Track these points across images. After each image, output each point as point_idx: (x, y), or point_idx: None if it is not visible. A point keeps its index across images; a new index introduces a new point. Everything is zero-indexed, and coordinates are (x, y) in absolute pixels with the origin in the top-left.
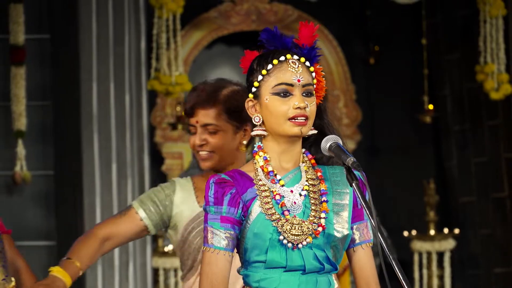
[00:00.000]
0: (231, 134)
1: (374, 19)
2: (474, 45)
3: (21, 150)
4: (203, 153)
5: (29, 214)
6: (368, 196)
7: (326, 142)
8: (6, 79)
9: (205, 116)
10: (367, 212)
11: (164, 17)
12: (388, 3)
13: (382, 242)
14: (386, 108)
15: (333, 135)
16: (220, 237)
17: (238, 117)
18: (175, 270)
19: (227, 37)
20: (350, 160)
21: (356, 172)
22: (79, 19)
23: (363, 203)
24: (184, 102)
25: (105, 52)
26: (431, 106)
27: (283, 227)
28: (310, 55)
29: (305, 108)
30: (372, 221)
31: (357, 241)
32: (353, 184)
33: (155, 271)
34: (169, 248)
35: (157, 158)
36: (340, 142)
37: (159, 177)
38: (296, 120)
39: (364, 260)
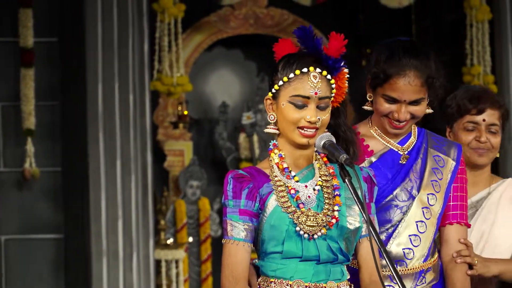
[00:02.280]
0: (500, 136)
1: (366, 23)
2: (461, 48)
3: (30, 147)
4: (483, 151)
5: (38, 209)
6: (376, 192)
7: (320, 140)
8: (16, 80)
9: (493, 116)
10: (359, 207)
11: (166, 21)
12: (380, 8)
13: (373, 234)
14: None
15: (327, 133)
16: (239, 229)
17: (506, 121)
18: (176, 262)
19: (226, 40)
20: (343, 157)
21: (348, 168)
22: (85, 23)
23: (354, 197)
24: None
25: (110, 55)
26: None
27: (299, 219)
28: (334, 67)
29: (315, 122)
30: (364, 215)
31: (363, 233)
32: (346, 180)
33: (158, 263)
34: (170, 240)
35: (159, 155)
36: (334, 140)
37: (161, 173)
38: (305, 132)
39: (369, 251)
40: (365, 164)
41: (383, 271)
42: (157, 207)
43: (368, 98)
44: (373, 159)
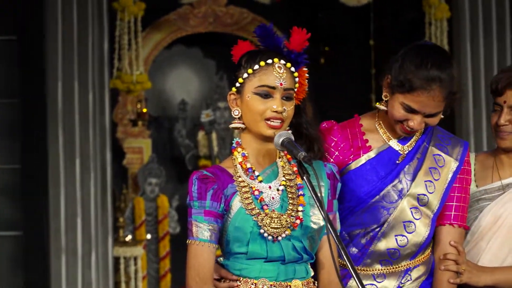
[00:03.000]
0: None
1: (325, 21)
2: None
3: None
4: (504, 133)
5: None
6: (339, 188)
7: (279, 138)
8: None
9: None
10: (317, 203)
11: (126, 19)
12: (338, 6)
13: (331, 231)
14: (336, 105)
15: (286, 132)
16: (204, 230)
17: None
18: (135, 259)
19: (185, 38)
20: (301, 154)
21: (306, 166)
22: (45, 21)
23: (312, 194)
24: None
25: (70, 53)
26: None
27: (263, 221)
28: (297, 60)
29: (282, 112)
30: (322, 212)
31: (325, 230)
32: (304, 177)
33: (116, 260)
34: (129, 237)
35: (118, 152)
36: (292, 137)
37: (120, 171)
38: (271, 123)
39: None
40: (362, 159)
41: (366, 270)
42: (116, 204)
43: (384, 98)
44: (372, 154)
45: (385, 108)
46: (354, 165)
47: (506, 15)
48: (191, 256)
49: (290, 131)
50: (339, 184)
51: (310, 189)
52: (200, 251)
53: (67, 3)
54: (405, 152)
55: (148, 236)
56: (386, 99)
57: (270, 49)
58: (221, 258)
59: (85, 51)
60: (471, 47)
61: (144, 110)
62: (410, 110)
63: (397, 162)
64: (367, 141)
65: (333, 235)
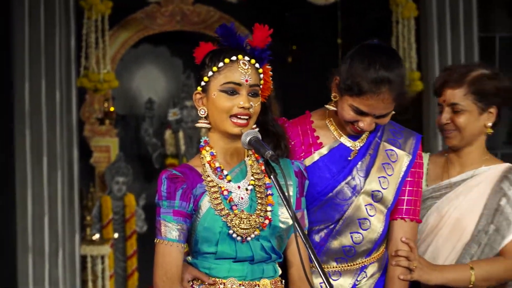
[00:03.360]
0: (476, 115)
1: (292, 20)
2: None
3: None
4: (449, 132)
5: None
6: (307, 185)
7: (246, 137)
8: None
9: (452, 95)
10: (285, 204)
11: (93, 18)
12: (306, 5)
13: (299, 230)
14: (303, 103)
15: (253, 130)
16: (173, 230)
17: (484, 99)
18: (102, 257)
19: (152, 36)
20: (268, 153)
21: (273, 164)
22: (12, 19)
23: (279, 193)
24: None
25: (37, 51)
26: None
27: (232, 222)
28: (261, 56)
29: (249, 108)
30: (289, 211)
31: (292, 229)
32: (271, 176)
33: (83, 258)
34: (96, 236)
35: (85, 151)
36: (259, 136)
37: (88, 169)
38: (237, 120)
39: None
40: (314, 156)
41: (313, 266)
42: (83, 203)
43: (333, 98)
44: (323, 151)
45: (334, 109)
46: (307, 162)
47: (473, 13)
48: (159, 256)
49: (257, 130)
50: (307, 182)
51: (278, 188)
52: (168, 250)
53: (34, 1)
54: (357, 148)
55: (115, 235)
56: (335, 100)
57: (233, 48)
58: (189, 257)
59: (52, 50)
60: (438, 46)
61: (112, 108)
62: (360, 113)
63: (349, 158)
64: (318, 137)
65: (300, 234)
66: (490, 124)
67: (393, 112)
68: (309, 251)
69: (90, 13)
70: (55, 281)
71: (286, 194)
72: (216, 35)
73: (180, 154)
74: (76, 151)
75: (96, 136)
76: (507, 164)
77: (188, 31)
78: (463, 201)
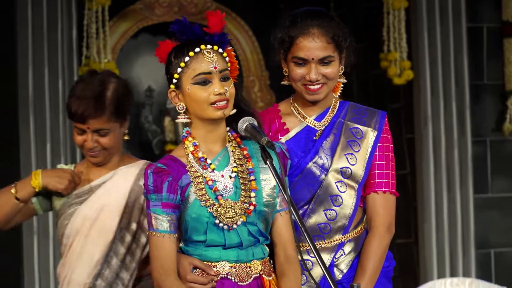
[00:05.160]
0: (118, 129)
1: (286, 11)
2: (378, 35)
3: None
4: (93, 152)
5: None
6: (289, 165)
7: (243, 123)
8: None
9: (96, 123)
10: (280, 186)
11: (94, 8)
12: None
13: (293, 212)
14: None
15: (249, 117)
16: (163, 221)
17: (123, 112)
18: None
19: (151, 27)
20: (265, 139)
21: (269, 150)
22: (15, 9)
23: (275, 177)
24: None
25: (40, 40)
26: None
27: (218, 212)
28: (221, 40)
29: (224, 93)
30: (284, 194)
31: (277, 208)
32: (267, 162)
33: None
34: None
35: None
36: (255, 123)
37: None
38: (217, 105)
39: (282, 227)
40: (282, 141)
41: (301, 246)
42: None
43: (284, 73)
44: (290, 135)
45: (288, 83)
46: None
47: (462, 4)
48: (153, 248)
49: (250, 117)
50: (289, 162)
51: (274, 174)
52: (161, 242)
53: None
54: (321, 129)
55: None
56: (286, 74)
57: (192, 40)
58: (181, 244)
59: (54, 39)
60: (428, 36)
61: None
62: (302, 62)
63: (314, 138)
64: (284, 124)
65: (295, 216)
66: (127, 131)
67: (343, 79)
68: (302, 229)
69: (90, 4)
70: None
71: (282, 178)
72: (172, 31)
73: (179, 140)
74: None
75: None
76: (144, 161)
77: None
78: (105, 202)
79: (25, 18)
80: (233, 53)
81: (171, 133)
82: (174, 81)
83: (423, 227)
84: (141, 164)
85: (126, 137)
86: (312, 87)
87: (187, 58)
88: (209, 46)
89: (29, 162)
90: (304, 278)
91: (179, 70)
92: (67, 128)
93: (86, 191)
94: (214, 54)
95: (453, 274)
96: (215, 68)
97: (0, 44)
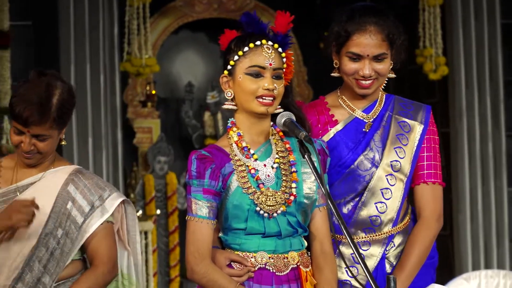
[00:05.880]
0: (57, 135)
1: (323, 8)
2: (414, 31)
3: (6, 125)
4: (28, 154)
5: None
6: (328, 163)
7: (281, 118)
8: None
9: (38, 129)
10: (318, 179)
11: (135, 5)
12: None
13: (332, 206)
14: (335, 87)
15: (287, 112)
16: (203, 207)
17: (66, 119)
18: (145, 233)
19: (191, 23)
20: (302, 134)
21: (307, 145)
22: (58, 7)
23: (313, 170)
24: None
25: (82, 37)
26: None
27: (259, 199)
28: (283, 41)
29: (273, 90)
30: (322, 188)
31: (317, 203)
32: (305, 156)
33: None
34: (140, 213)
35: (128, 132)
36: (293, 118)
37: (131, 150)
38: (263, 100)
39: (320, 222)
40: (330, 133)
41: (344, 238)
42: (127, 181)
43: (335, 65)
44: (339, 127)
45: (337, 75)
46: (325, 139)
47: (496, 0)
48: (190, 232)
49: (288, 112)
50: (329, 159)
51: (311, 166)
52: (199, 227)
53: None
54: (370, 121)
55: (158, 212)
56: (337, 66)
57: (256, 34)
58: (220, 233)
59: (96, 36)
60: (463, 32)
61: (153, 92)
62: (356, 57)
63: (364, 130)
64: (333, 115)
65: (333, 208)
66: (63, 136)
67: (392, 75)
68: (340, 223)
69: (132, 1)
70: None
71: (320, 172)
72: (240, 22)
73: (218, 135)
74: (120, 132)
75: (138, 117)
76: (74, 166)
77: (225, 18)
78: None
79: (68, 15)
80: (292, 57)
81: (210, 128)
82: (229, 67)
83: (458, 219)
84: (70, 169)
85: (63, 142)
86: (364, 82)
87: (246, 48)
88: (270, 43)
89: (71, 155)
90: (356, 270)
91: (235, 57)
92: (109, 122)
93: (13, 190)
94: (273, 51)
95: (488, 266)
96: (270, 64)
97: (43, 42)
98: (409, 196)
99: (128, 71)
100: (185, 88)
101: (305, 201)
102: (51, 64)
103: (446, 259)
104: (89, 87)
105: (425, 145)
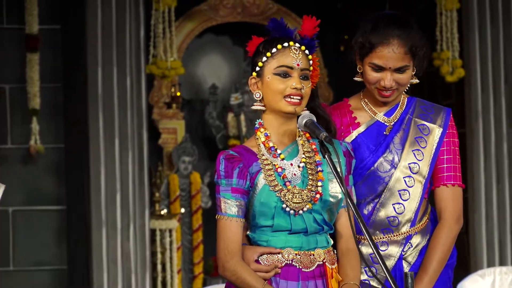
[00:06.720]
0: None
1: (344, 12)
2: (431, 34)
3: (35, 126)
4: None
5: (43, 182)
6: (353, 164)
7: (302, 119)
8: (22, 64)
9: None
10: (337, 179)
11: (161, 9)
12: None
13: (351, 206)
14: (355, 89)
15: (308, 113)
16: (232, 206)
17: None
18: (170, 231)
19: (215, 27)
20: (323, 135)
21: (328, 145)
22: (86, 11)
23: (333, 171)
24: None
25: (109, 40)
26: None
27: (285, 197)
28: (310, 44)
29: (301, 89)
30: (342, 188)
31: (343, 204)
32: (326, 156)
33: (153, 232)
34: (164, 211)
35: (154, 133)
36: (314, 119)
37: (156, 150)
38: (291, 100)
39: (346, 221)
40: (352, 135)
41: (363, 238)
42: (152, 180)
43: (358, 70)
44: (361, 129)
45: (360, 79)
46: (347, 140)
47: (511, 5)
48: (221, 230)
49: (310, 113)
50: (354, 161)
51: (331, 166)
52: (228, 225)
53: None
54: (391, 124)
55: (182, 210)
56: (360, 71)
57: (284, 37)
58: (248, 232)
59: (123, 39)
60: (479, 36)
61: (178, 93)
62: (378, 68)
63: (385, 133)
64: (355, 118)
65: (352, 207)
66: None
67: (415, 80)
68: (360, 223)
69: (158, 5)
70: (127, 253)
71: (339, 171)
72: (267, 28)
73: (241, 135)
74: (146, 133)
75: (164, 119)
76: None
77: (249, 22)
78: None
79: (95, 19)
80: (317, 62)
81: (234, 129)
82: (257, 69)
83: (473, 217)
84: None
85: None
86: (385, 92)
87: (274, 50)
88: (297, 44)
89: (98, 156)
90: (375, 270)
91: (264, 59)
92: (135, 123)
93: None
94: (300, 52)
95: (502, 263)
96: (298, 65)
97: (71, 45)
98: (430, 197)
99: (154, 73)
100: (209, 90)
101: (331, 199)
102: (79, 66)
103: (462, 256)
104: (116, 90)
105: (444, 148)
